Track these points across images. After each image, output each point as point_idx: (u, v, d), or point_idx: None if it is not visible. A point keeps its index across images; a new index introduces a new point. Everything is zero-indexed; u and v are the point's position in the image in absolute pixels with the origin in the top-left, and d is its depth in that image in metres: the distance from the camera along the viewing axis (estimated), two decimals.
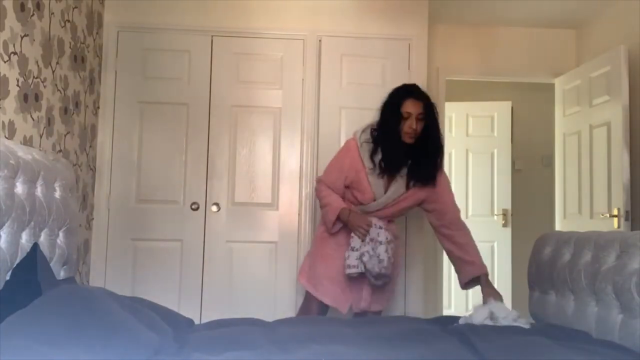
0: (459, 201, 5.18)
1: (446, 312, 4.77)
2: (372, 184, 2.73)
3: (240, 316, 2.48)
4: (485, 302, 2.52)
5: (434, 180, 2.77)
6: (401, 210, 2.84)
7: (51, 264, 2.32)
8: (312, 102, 3.69)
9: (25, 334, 1.38)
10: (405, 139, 2.69)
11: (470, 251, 2.77)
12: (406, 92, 2.74)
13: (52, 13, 2.78)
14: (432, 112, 2.72)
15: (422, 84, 3.74)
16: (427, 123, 2.70)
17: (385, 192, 2.75)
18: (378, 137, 2.73)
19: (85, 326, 1.50)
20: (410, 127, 2.66)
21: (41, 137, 2.70)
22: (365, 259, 2.66)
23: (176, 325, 2.08)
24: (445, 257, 4.90)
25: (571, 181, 4.16)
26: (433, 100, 2.78)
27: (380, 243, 2.68)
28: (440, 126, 2.82)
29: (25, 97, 2.52)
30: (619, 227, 3.55)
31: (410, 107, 2.68)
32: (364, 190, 2.75)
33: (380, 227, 2.71)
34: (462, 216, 5.15)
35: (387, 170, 2.72)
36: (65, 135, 3.01)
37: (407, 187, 2.76)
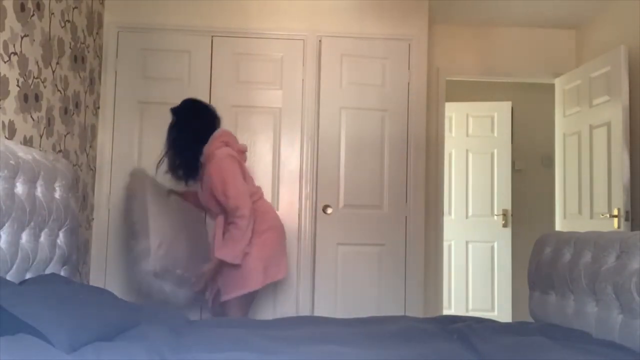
0: (460, 201, 5.30)
1: (446, 312, 4.76)
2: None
3: None
4: None
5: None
6: (206, 203, 2.98)
7: (51, 264, 2.32)
8: (312, 102, 3.69)
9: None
10: None
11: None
12: None
13: (52, 13, 2.78)
14: (176, 119, 2.97)
15: (422, 84, 3.78)
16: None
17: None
18: None
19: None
20: None
21: (41, 137, 2.70)
22: None
23: (174, 321, 2.08)
24: (445, 257, 4.92)
25: (571, 181, 4.16)
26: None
27: None
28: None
29: (25, 97, 2.52)
30: (619, 227, 3.55)
31: None
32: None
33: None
34: (463, 216, 5.27)
35: None
36: (65, 136, 3.01)
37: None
